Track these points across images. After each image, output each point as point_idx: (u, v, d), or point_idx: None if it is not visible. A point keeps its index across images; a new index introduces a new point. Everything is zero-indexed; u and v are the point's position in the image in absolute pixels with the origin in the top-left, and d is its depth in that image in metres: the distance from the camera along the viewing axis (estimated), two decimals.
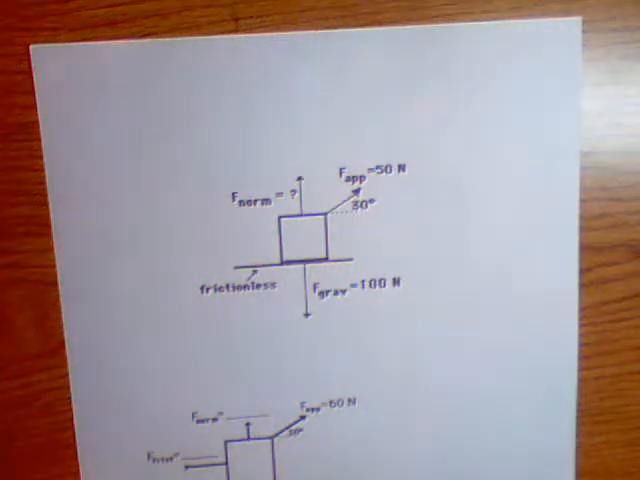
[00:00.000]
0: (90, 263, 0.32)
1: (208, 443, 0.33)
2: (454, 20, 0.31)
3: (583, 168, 0.33)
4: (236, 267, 0.32)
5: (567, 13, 0.32)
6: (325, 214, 0.32)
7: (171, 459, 0.33)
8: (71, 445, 0.33)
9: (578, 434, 0.35)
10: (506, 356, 0.34)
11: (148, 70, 0.31)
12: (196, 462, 0.34)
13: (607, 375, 0.35)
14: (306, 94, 0.31)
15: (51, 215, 0.31)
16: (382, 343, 0.33)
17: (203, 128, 0.31)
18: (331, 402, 0.34)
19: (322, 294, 0.33)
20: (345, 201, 0.32)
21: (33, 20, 0.30)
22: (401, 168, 0.32)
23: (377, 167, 0.32)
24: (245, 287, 0.32)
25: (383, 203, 0.32)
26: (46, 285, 0.32)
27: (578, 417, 0.35)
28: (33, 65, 0.30)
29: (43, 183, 0.31)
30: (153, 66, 0.31)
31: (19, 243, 0.32)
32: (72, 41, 0.30)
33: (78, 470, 0.33)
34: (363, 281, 0.33)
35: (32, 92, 0.31)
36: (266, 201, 0.32)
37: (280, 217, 0.32)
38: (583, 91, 0.32)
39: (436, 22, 0.31)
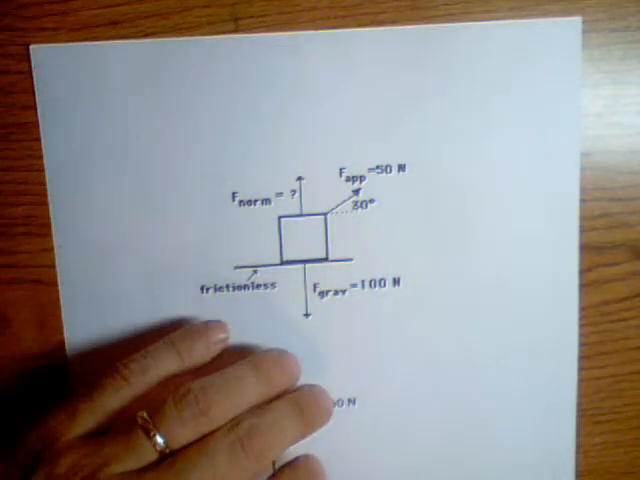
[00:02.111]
0: (90, 263, 0.32)
1: None
2: (454, 20, 0.31)
3: (583, 168, 0.33)
4: (236, 267, 0.32)
5: (567, 13, 0.32)
6: (325, 214, 0.32)
7: None
8: None
9: (578, 434, 0.35)
10: (506, 356, 0.34)
11: (148, 70, 0.31)
12: None
13: (607, 375, 0.35)
14: (306, 94, 0.31)
15: (51, 215, 0.31)
16: (382, 343, 0.33)
17: (203, 128, 0.31)
18: None
19: (322, 294, 0.33)
20: (345, 201, 0.32)
21: (33, 20, 0.30)
22: (401, 168, 0.32)
23: (377, 167, 0.32)
24: (245, 287, 0.32)
25: (383, 203, 0.32)
26: (46, 285, 0.32)
27: (578, 417, 0.35)
28: (33, 65, 0.30)
29: (43, 183, 0.31)
30: (153, 66, 0.31)
31: (19, 243, 0.32)
32: (72, 41, 0.30)
33: None
34: (363, 281, 0.33)
35: (32, 92, 0.31)
36: (266, 201, 0.32)
37: (280, 217, 0.32)
38: (583, 91, 0.32)
39: (436, 22, 0.31)
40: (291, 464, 0.30)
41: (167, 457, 0.27)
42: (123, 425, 0.28)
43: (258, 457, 0.27)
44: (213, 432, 0.28)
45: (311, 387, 0.31)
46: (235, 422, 0.28)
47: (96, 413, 0.28)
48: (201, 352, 0.30)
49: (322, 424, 0.30)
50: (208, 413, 0.27)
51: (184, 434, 0.27)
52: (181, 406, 0.27)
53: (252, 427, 0.28)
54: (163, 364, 0.29)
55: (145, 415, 0.27)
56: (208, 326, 0.31)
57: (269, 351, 0.31)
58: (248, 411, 0.29)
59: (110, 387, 0.28)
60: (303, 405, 0.30)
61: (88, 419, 0.28)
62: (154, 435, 0.27)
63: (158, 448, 0.27)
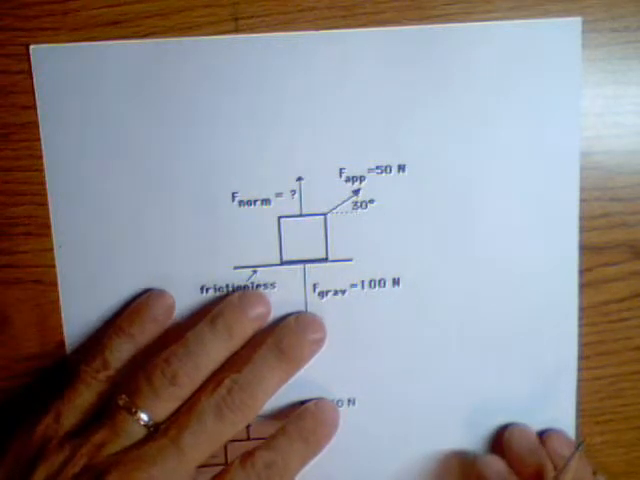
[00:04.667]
0: (90, 263, 0.32)
1: None
2: (454, 20, 0.31)
3: (583, 168, 0.33)
4: (236, 267, 0.32)
5: (567, 13, 0.32)
6: (325, 214, 0.32)
7: None
8: None
9: (578, 434, 0.35)
10: (506, 356, 0.34)
11: (148, 70, 0.31)
12: None
13: (607, 375, 0.35)
14: (306, 94, 0.31)
15: (51, 215, 0.31)
16: (382, 343, 0.33)
17: (203, 128, 0.31)
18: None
19: (322, 294, 0.33)
20: (345, 201, 0.32)
21: (33, 20, 0.30)
22: (401, 168, 0.32)
23: (377, 167, 0.32)
24: (245, 287, 0.32)
25: (383, 203, 0.32)
26: (46, 285, 0.32)
27: (578, 417, 0.35)
28: (33, 65, 0.30)
29: (43, 183, 0.31)
30: (153, 66, 0.31)
31: (19, 243, 0.32)
32: (72, 41, 0.30)
33: None
34: (363, 281, 0.33)
35: (32, 92, 0.31)
36: (266, 201, 0.32)
37: (280, 217, 0.32)
38: (583, 91, 0.32)
39: (436, 22, 0.31)
40: (300, 413, 0.32)
41: (154, 431, 0.29)
42: (106, 412, 0.29)
43: (244, 410, 0.29)
44: (198, 395, 0.29)
45: (296, 320, 0.32)
46: (216, 382, 0.30)
47: (77, 411, 0.30)
48: (151, 329, 0.31)
49: (307, 359, 0.32)
50: (176, 381, 0.29)
51: (163, 405, 0.29)
52: (151, 380, 0.29)
53: (232, 383, 0.29)
54: (121, 353, 0.31)
55: (124, 397, 0.29)
56: (149, 302, 0.31)
57: (229, 299, 0.32)
58: (229, 367, 0.30)
59: (82, 386, 0.30)
60: (283, 345, 0.31)
61: (71, 418, 0.30)
62: (136, 412, 0.29)
63: (143, 423, 0.29)
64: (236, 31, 0.31)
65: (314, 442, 0.31)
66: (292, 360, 0.31)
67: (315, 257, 0.33)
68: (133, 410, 0.29)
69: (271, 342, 0.31)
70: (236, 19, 0.31)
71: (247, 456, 0.29)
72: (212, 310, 0.31)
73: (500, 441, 0.34)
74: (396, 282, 0.33)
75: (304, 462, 0.31)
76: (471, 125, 0.32)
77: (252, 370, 0.30)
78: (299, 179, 0.32)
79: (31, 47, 0.30)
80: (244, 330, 0.31)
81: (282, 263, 0.32)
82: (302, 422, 0.31)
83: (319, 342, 0.32)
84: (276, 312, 0.33)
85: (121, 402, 0.29)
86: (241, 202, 0.32)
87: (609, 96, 0.33)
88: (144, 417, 0.29)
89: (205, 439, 0.29)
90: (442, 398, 0.34)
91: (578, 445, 0.30)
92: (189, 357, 0.30)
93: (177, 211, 0.32)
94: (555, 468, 0.31)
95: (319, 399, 0.33)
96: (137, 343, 0.31)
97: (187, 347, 0.30)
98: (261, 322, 0.32)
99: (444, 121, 0.32)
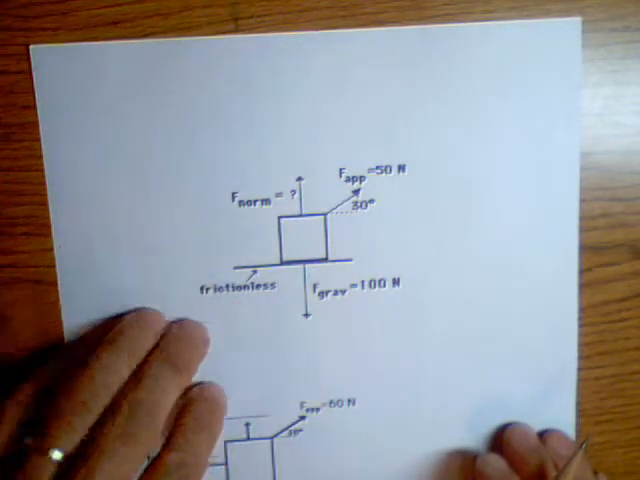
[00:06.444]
0: (90, 263, 0.32)
1: None
2: (454, 20, 0.31)
3: (583, 168, 0.33)
4: (236, 267, 0.32)
5: (567, 13, 0.32)
6: (325, 214, 0.32)
7: None
8: None
9: (578, 434, 0.35)
10: (506, 356, 0.34)
11: (148, 70, 0.31)
12: None
13: (607, 375, 0.35)
14: (306, 94, 0.31)
15: (51, 215, 0.31)
16: (382, 343, 0.33)
17: (203, 128, 0.31)
18: (331, 402, 0.34)
19: (322, 294, 0.33)
20: (345, 201, 0.32)
21: (33, 20, 0.30)
22: (401, 168, 0.32)
23: (377, 167, 0.32)
24: (245, 287, 0.32)
25: (383, 203, 0.32)
26: (46, 285, 0.32)
27: (578, 417, 0.35)
28: (33, 65, 0.30)
29: (43, 183, 0.31)
30: (153, 66, 0.31)
31: (19, 243, 0.32)
32: (72, 41, 0.30)
33: None
34: (363, 281, 0.33)
35: (32, 92, 0.31)
36: (266, 201, 0.32)
37: (280, 217, 0.32)
38: (583, 91, 0.32)
39: (436, 22, 0.31)
40: (190, 402, 0.31)
41: (67, 466, 0.27)
42: (15, 460, 0.27)
43: (149, 429, 0.28)
44: (100, 424, 0.28)
45: (179, 328, 0.32)
46: (116, 405, 0.28)
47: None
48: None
49: (199, 362, 0.32)
50: (86, 409, 0.28)
51: (74, 436, 0.27)
52: (61, 413, 0.28)
53: (132, 407, 0.28)
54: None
55: (31, 440, 0.27)
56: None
57: (126, 319, 0.31)
58: (128, 386, 0.29)
59: None
60: (174, 357, 0.30)
61: None
62: (49, 450, 0.27)
63: (57, 461, 0.27)
64: (236, 31, 0.31)
65: (216, 425, 0.31)
66: (185, 371, 0.31)
67: (315, 257, 0.33)
68: (47, 448, 0.27)
69: (162, 356, 0.30)
70: (236, 19, 0.31)
71: (157, 465, 0.28)
72: (111, 334, 0.31)
73: (500, 441, 0.34)
74: (396, 282, 0.33)
75: (212, 447, 0.31)
76: (471, 125, 0.32)
77: (149, 390, 0.29)
78: (299, 179, 0.32)
79: (31, 47, 0.30)
80: (146, 344, 0.31)
81: (282, 263, 0.32)
82: (198, 410, 0.31)
83: (206, 344, 0.32)
84: (276, 312, 0.33)
85: (32, 444, 0.27)
86: (241, 202, 0.32)
87: (609, 96, 0.33)
88: (57, 455, 0.27)
89: (118, 466, 0.27)
90: (442, 398, 0.34)
91: (582, 443, 0.30)
92: (95, 385, 0.28)
93: (177, 211, 0.32)
94: (556, 468, 0.31)
95: (201, 383, 0.32)
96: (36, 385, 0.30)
97: (90, 373, 0.29)
98: (158, 331, 0.31)
99: (444, 121, 0.32)
